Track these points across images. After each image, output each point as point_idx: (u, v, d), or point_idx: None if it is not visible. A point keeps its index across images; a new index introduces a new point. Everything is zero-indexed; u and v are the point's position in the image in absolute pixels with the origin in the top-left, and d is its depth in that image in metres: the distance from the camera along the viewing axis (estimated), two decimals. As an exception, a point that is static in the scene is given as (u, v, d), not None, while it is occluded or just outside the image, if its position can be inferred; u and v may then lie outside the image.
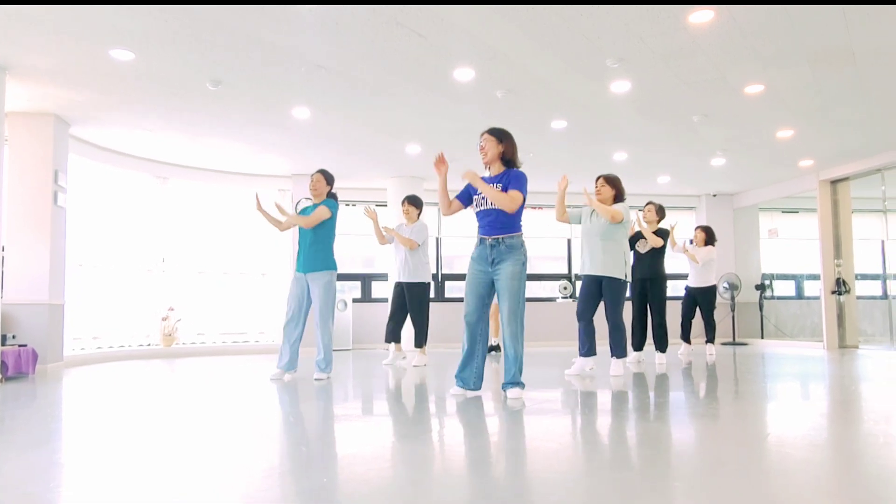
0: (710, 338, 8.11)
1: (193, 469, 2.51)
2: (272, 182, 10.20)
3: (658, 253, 6.89)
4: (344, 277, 10.61)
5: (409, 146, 8.41)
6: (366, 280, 11.07)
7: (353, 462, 2.60)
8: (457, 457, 2.76)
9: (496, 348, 8.39)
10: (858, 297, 10.19)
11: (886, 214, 9.52)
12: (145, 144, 8.31)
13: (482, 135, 4.44)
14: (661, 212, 7.06)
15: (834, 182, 10.09)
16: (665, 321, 6.95)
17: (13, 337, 6.57)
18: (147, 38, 5.13)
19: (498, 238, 4.30)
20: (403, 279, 6.95)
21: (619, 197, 5.75)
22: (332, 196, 5.73)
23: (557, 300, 11.45)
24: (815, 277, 10.45)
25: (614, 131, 7.85)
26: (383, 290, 10.74)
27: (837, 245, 10.14)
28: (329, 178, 5.73)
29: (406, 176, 10.01)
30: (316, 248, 5.55)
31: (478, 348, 4.41)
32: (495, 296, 4.37)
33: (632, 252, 6.80)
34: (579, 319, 5.78)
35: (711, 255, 8.03)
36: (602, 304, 5.79)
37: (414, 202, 7.11)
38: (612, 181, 5.79)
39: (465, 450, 2.90)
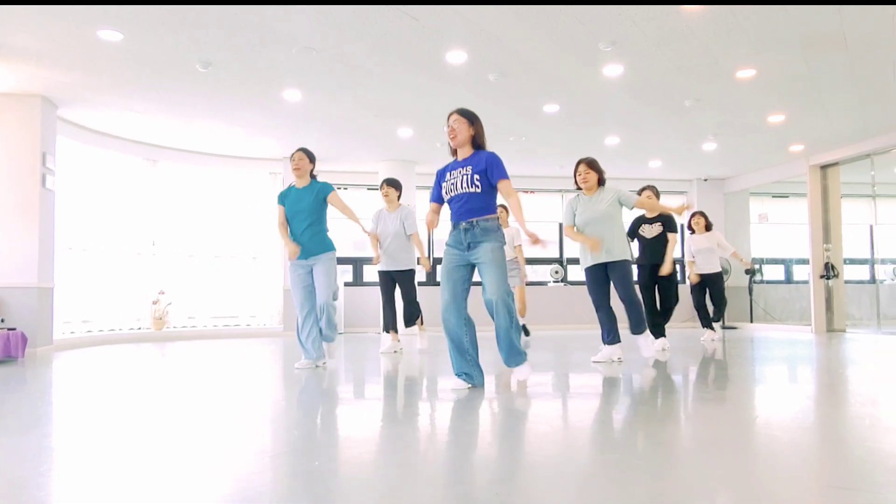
0: (718, 318, 8.09)
1: (185, 452, 2.51)
2: (263, 165, 10.15)
3: (664, 237, 6.58)
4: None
5: (400, 129, 8.38)
6: (357, 264, 11.07)
7: (347, 444, 2.61)
8: (448, 438, 2.77)
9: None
10: (846, 282, 10.27)
11: (875, 199, 9.57)
12: (134, 127, 8.24)
13: (450, 115, 4.17)
14: (658, 195, 6.77)
15: (824, 167, 10.13)
16: (672, 309, 6.69)
17: (2, 321, 6.54)
18: (135, 18, 5.07)
19: (472, 221, 4.04)
20: (392, 267, 6.70)
21: (601, 180, 5.50)
22: (314, 176, 5.42)
23: (549, 284, 11.48)
24: (804, 262, 10.52)
25: (606, 115, 7.84)
26: (374, 273, 10.73)
27: (826, 230, 10.20)
28: (312, 157, 5.39)
29: (398, 159, 9.97)
30: (314, 231, 5.25)
31: (465, 340, 4.08)
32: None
33: (635, 239, 6.64)
34: (597, 309, 5.55)
35: (717, 238, 7.94)
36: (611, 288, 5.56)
37: (393, 184, 6.76)
38: (594, 165, 5.51)
39: (456, 432, 2.91)
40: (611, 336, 5.54)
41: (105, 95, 6.95)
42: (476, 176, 4.03)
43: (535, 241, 4.13)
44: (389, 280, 6.79)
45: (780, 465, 2.26)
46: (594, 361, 5.49)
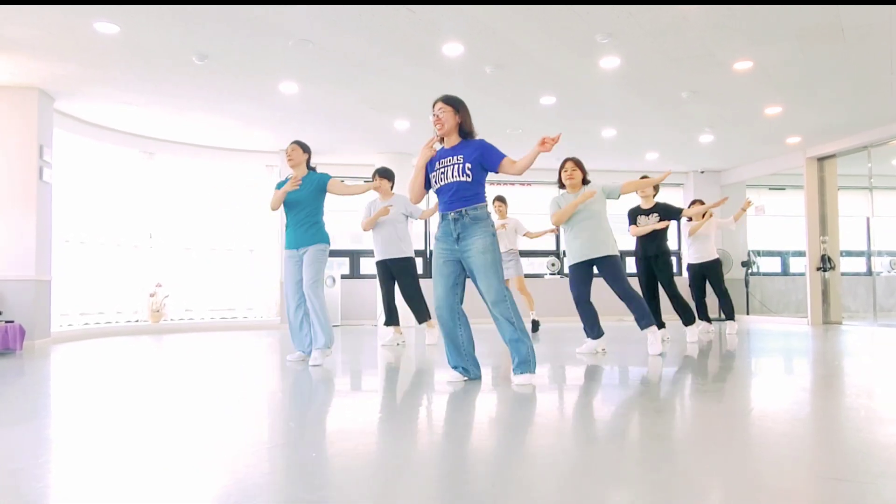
0: (730, 313, 7.82)
1: (182, 444, 2.52)
2: (260, 157, 10.14)
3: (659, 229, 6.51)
4: (332, 254, 10.58)
5: (397, 121, 8.37)
6: (354, 256, 11.07)
7: (344, 437, 2.62)
8: (443, 431, 2.79)
9: (535, 326, 8.33)
10: (843, 274, 10.30)
11: (872, 191, 9.59)
12: (131, 119, 8.22)
13: (435, 104, 4.06)
14: (656, 187, 6.69)
15: (821, 159, 10.15)
16: (679, 293, 6.61)
17: (0, 313, 6.54)
18: (131, 10, 5.05)
19: (461, 211, 3.96)
20: (388, 256, 6.51)
21: (585, 179, 5.48)
22: (312, 168, 5.39)
23: (545, 276, 11.50)
24: (801, 254, 10.55)
25: (603, 107, 7.84)
26: (371, 266, 10.73)
27: (823, 222, 10.23)
28: (306, 148, 5.36)
29: (394, 152, 9.95)
30: (310, 222, 5.22)
31: (460, 334, 4.08)
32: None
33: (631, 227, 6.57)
34: (577, 304, 5.52)
35: (714, 224, 7.84)
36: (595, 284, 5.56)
37: (386, 175, 6.59)
38: (581, 164, 5.52)
39: (452, 424, 2.92)
40: (594, 331, 5.60)
41: (102, 88, 6.94)
42: (468, 165, 3.95)
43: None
44: (386, 270, 6.57)
45: (775, 457, 2.27)
46: (578, 352, 5.62)
